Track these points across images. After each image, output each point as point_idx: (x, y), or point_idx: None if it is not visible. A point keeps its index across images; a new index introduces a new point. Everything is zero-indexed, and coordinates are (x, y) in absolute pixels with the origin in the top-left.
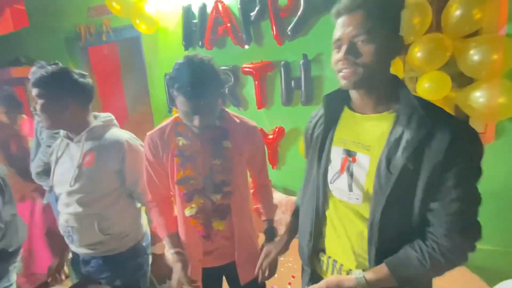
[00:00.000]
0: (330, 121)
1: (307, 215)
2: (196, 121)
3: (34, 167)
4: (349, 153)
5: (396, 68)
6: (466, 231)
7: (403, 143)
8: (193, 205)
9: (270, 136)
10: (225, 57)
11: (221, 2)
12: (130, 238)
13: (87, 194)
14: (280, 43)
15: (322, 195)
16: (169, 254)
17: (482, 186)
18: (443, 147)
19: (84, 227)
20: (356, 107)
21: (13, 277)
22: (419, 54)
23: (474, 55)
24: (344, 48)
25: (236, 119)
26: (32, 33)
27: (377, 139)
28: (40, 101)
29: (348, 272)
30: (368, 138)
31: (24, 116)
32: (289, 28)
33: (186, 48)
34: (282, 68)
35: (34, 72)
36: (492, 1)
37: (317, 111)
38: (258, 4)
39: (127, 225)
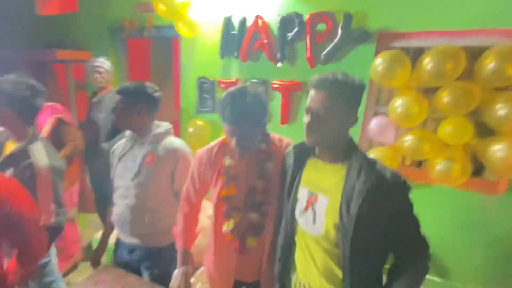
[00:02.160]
0: (298, 166)
1: (281, 237)
2: (233, 142)
3: None
4: (312, 194)
5: (421, 107)
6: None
7: (356, 192)
8: (231, 222)
9: None
10: (257, 71)
11: (261, 18)
12: (171, 234)
13: (143, 190)
14: (312, 65)
15: (291, 224)
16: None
17: (494, 232)
18: (389, 191)
19: (136, 218)
20: (318, 155)
21: (53, 251)
22: (446, 99)
23: (501, 109)
24: (308, 116)
25: (277, 142)
26: (78, 18)
27: (334, 185)
28: (118, 106)
29: None
30: (327, 184)
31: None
32: (324, 53)
33: (222, 56)
34: None
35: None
36: None
37: (289, 150)
38: (297, 26)
39: (172, 221)
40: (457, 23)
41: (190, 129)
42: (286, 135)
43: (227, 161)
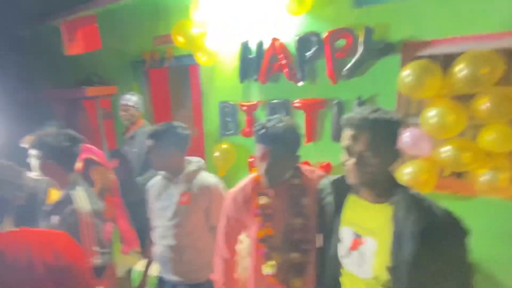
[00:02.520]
0: (339, 204)
1: (326, 278)
2: (263, 169)
3: None
4: (357, 235)
5: (459, 116)
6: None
7: (407, 234)
8: (272, 263)
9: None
10: (278, 91)
11: (278, 40)
12: (211, 270)
13: (181, 229)
14: (334, 81)
15: (334, 265)
16: None
17: None
18: (441, 230)
19: (177, 257)
20: (359, 193)
21: None
22: (486, 106)
23: None
24: (353, 159)
25: (309, 174)
26: (102, 55)
27: (382, 226)
28: (151, 150)
29: None
30: (373, 224)
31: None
32: (345, 68)
33: (242, 80)
34: (335, 106)
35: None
36: None
37: (327, 181)
38: (316, 44)
39: (210, 256)
40: (486, 25)
41: (216, 153)
42: (312, 153)
43: (263, 199)
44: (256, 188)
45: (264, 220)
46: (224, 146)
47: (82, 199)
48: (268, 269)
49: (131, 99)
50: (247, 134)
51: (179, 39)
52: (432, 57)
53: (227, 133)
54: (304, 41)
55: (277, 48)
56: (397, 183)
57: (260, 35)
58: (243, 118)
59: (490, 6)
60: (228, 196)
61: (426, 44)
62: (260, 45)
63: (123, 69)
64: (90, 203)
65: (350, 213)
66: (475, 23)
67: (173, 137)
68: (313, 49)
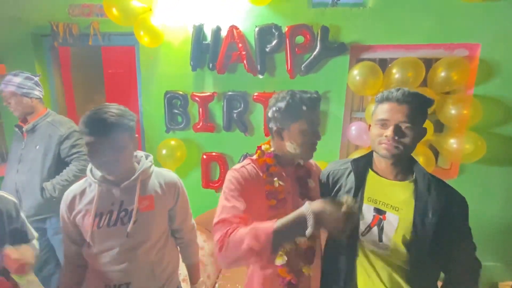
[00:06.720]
0: (359, 183)
1: (341, 261)
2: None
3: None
4: (380, 212)
5: None
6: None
7: (430, 208)
8: (281, 252)
9: None
10: (235, 83)
11: (236, 29)
12: (177, 278)
13: (144, 243)
14: (292, 76)
15: (353, 245)
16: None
17: None
18: (457, 208)
19: (142, 279)
20: (379, 171)
21: None
22: None
23: (452, 109)
24: (391, 128)
25: None
26: None
27: (404, 203)
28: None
29: None
30: (396, 201)
31: None
32: (304, 64)
33: (194, 68)
34: None
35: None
36: (465, 67)
37: (336, 166)
38: (276, 38)
39: (176, 265)
40: (411, 38)
41: (163, 151)
42: None
43: (276, 182)
44: (265, 171)
45: (277, 207)
46: (173, 142)
47: None
48: (279, 259)
49: (15, 80)
50: (200, 129)
51: (114, 12)
52: (371, 60)
53: (175, 127)
54: (263, 33)
55: (236, 37)
56: (417, 162)
57: (215, 20)
58: (195, 110)
59: (415, 23)
60: (233, 173)
61: (368, 48)
62: (217, 31)
63: (19, 43)
64: None
65: (372, 191)
66: (404, 35)
67: (128, 124)
68: (274, 42)
